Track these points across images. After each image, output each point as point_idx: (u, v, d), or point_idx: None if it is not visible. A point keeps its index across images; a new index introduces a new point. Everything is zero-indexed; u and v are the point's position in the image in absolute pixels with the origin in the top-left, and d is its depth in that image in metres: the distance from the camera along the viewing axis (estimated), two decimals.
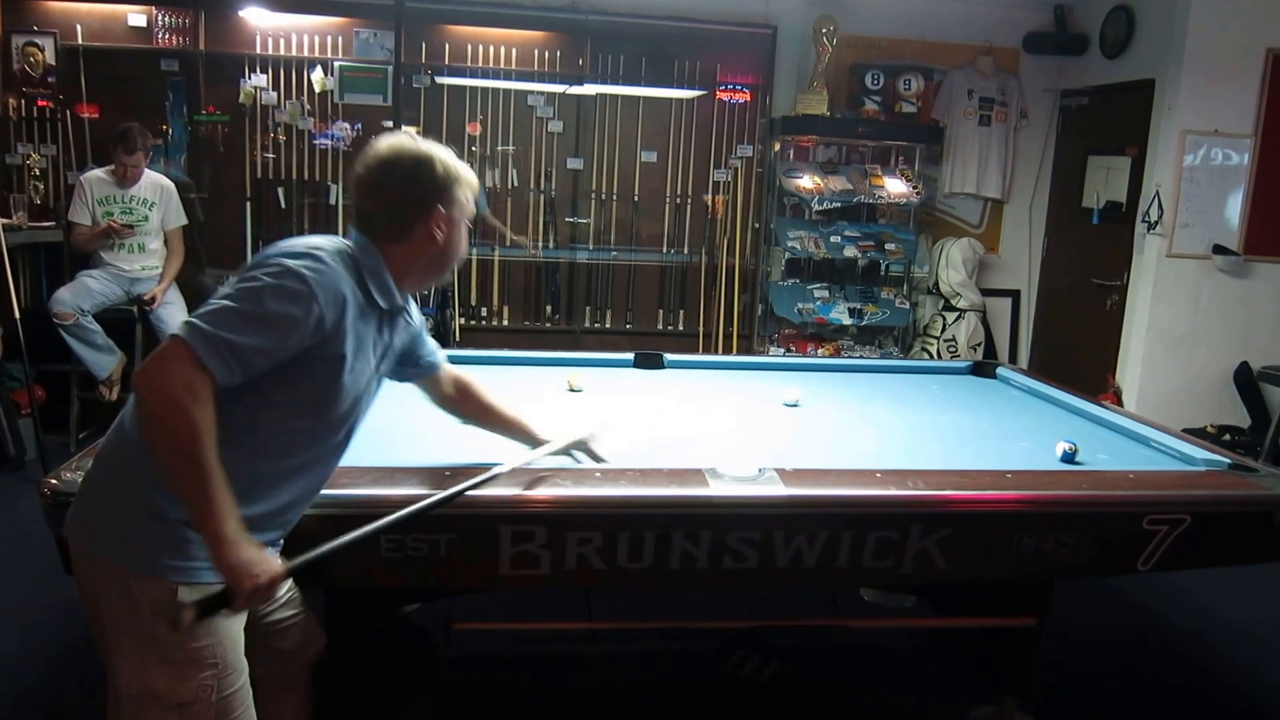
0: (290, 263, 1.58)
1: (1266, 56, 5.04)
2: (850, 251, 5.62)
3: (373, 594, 2.32)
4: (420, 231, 1.77)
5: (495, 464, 2.04)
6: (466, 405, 2.22)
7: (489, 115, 5.68)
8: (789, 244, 5.58)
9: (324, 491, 1.91)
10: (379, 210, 1.76)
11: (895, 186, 5.69)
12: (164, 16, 5.39)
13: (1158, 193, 5.15)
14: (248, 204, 5.58)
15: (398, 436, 2.55)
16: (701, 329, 6.01)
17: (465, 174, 1.82)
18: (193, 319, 1.51)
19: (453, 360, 3.60)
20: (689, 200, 5.94)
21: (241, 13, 5.39)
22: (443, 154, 1.79)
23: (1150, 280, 5.24)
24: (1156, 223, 5.17)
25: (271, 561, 1.56)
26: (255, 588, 1.50)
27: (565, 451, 2.19)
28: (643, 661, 3.07)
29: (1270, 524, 2.30)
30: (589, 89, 5.69)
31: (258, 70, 5.47)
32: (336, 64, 5.52)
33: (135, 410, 1.56)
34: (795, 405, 3.00)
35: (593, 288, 5.98)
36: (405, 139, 1.79)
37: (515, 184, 5.78)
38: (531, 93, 5.69)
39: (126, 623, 1.61)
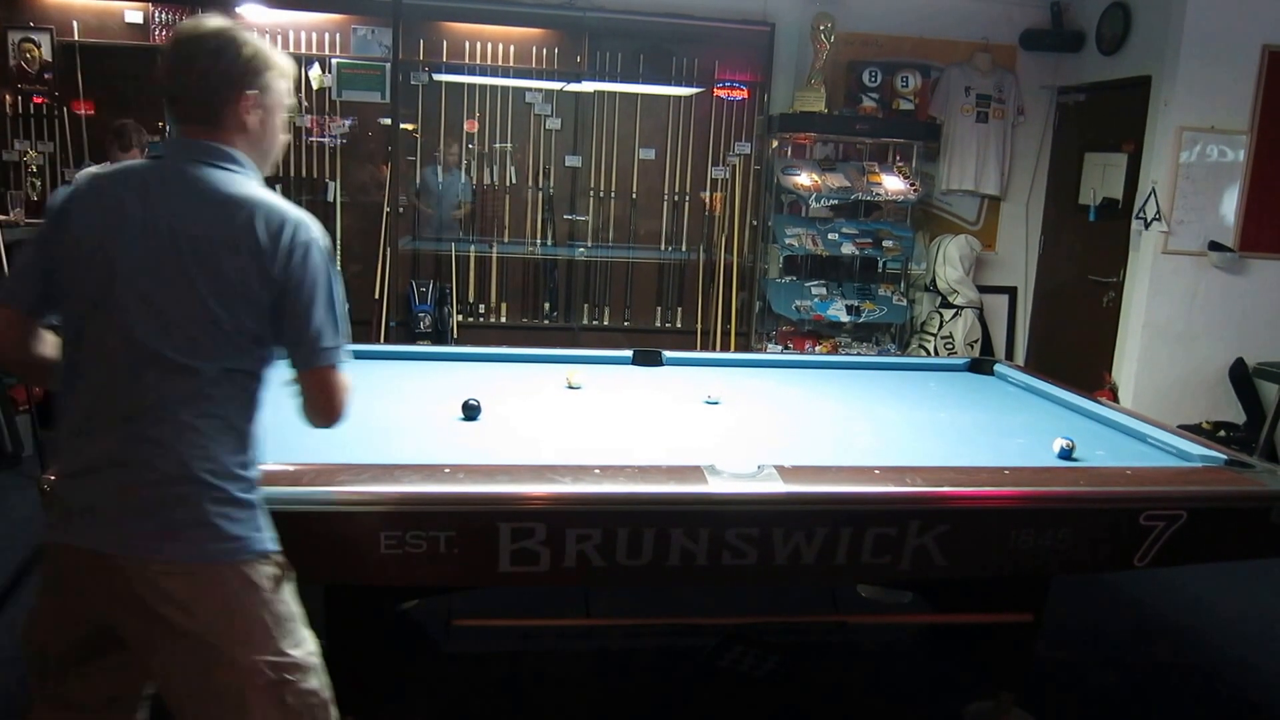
0: (323, 247, 1.65)
1: (1262, 53, 5.04)
2: (848, 249, 5.63)
3: (372, 590, 2.33)
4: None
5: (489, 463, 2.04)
6: None
7: (487, 112, 5.69)
8: (787, 241, 5.58)
9: (320, 489, 1.92)
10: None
11: (893, 183, 5.69)
12: (161, 13, 5.38)
13: (1154, 189, 5.16)
14: None
15: (394, 432, 2.56)
16: (699, 326, 6.02)
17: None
18: (334, 343, 1.66)
19: (452, 357, 3.62)
20: (687, 197, 5.94)
21: (239, 9, 5.38)
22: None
23: (1146, 277, 5.25)
24: (1153, 219, 5.18)
25: None
26: None
27: None
28: (641, 657, 3.07)
29: (1266, 519, 2.31)
30: (587, 86, 5.69)
31: None
32: (334, 61, 5.52)
33: (307, 416, 1.70)
34: (716, 403, 2.99)
35: (591, 285, 5.99)
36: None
37: (513, 181, 5.78)
38: (529, 90, 5.69)
39: (245, 615, 1.57)
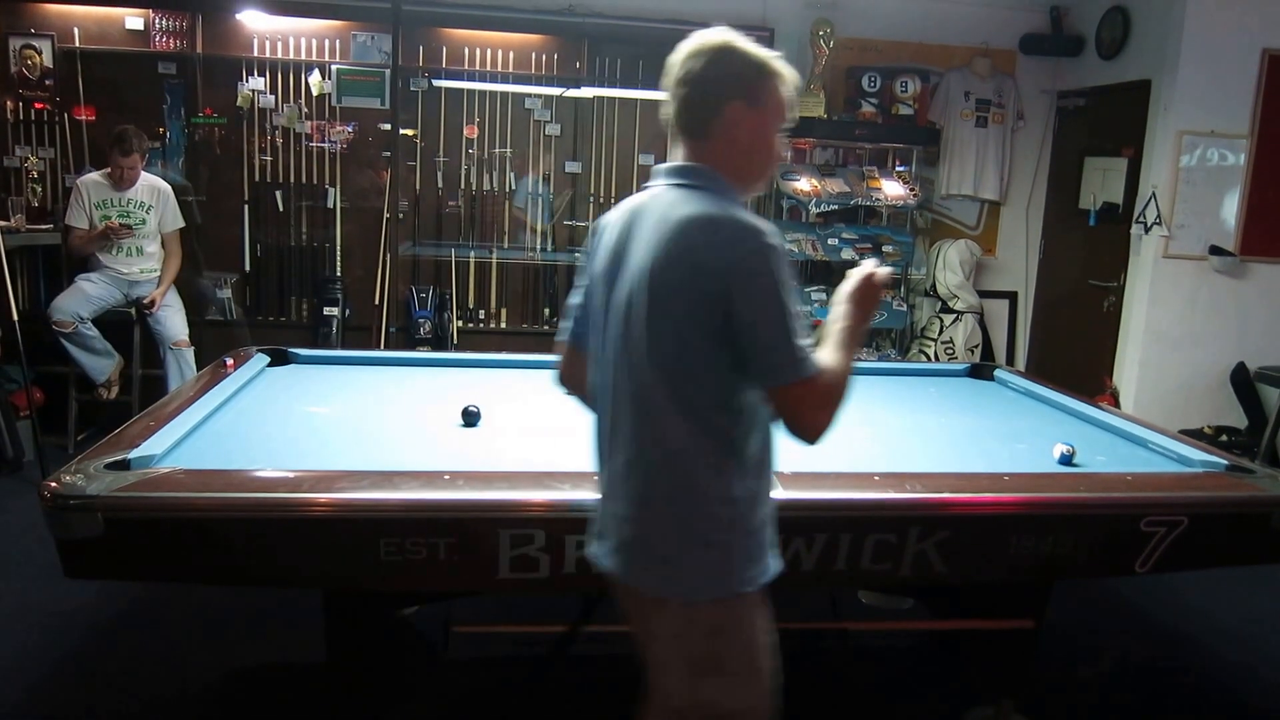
0: (772, 259, 1.51)
1: (1262, 57, 5.04)
2: (847, 254, 5.62)
3: (372, 597, 2.32)
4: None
5: (490, 470, 2.04)
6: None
7: (486, 118, 5.69)
8: (786, 246, 5.56)
9: (329, 495, 1.91)
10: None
11: (892, 189, 5.70)
12: (161, 20, 5.39)
13: (1154, 194, 5.16)
14: (245, 207, 5.58)
15: (394, 438, 2.56)
16: None
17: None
18: (800, 359, 1.50)
19: (451, 363, 3.62)
20: None
21: (239, 16, 5.39)
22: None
23: (1147, 281, 5.24)
24: (1153, 224, 5.18)
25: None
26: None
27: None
28: (640, 664, 3.06)
29: (1267, 525, 2.30)
30: (586, 92, 5.69)
31: (255, 73, 5.47)
32: (334, 67, 5.52)
33: (794, 433, 1.56)
34: None
35: None
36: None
37: (513, 187, 5.78)
38: (529, 96, 5.69)
39: (676, 648, 1.62)
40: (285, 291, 5.73)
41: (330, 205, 5.64)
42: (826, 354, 1.59)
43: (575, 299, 1.79)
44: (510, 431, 2.68)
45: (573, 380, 1.81)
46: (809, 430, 1.54)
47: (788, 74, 1.62)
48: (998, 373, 3.62)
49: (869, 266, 1.72)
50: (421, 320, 5.69)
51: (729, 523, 1.57)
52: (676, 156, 1.64)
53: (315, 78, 5.49)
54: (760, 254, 1.49)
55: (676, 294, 1.50)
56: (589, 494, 2.06)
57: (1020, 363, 6.28)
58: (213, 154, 5.54)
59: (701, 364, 1.52)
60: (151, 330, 4.90)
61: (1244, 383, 5.26)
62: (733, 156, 1.60)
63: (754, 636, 1.61)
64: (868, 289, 1.70)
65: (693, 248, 1.49)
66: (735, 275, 1.48)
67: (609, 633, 3.07)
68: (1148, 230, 5.21)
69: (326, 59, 5.53)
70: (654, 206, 1.59)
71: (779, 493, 2.09)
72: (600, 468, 1.71)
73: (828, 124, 5.63)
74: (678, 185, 1.60)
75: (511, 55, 5.64)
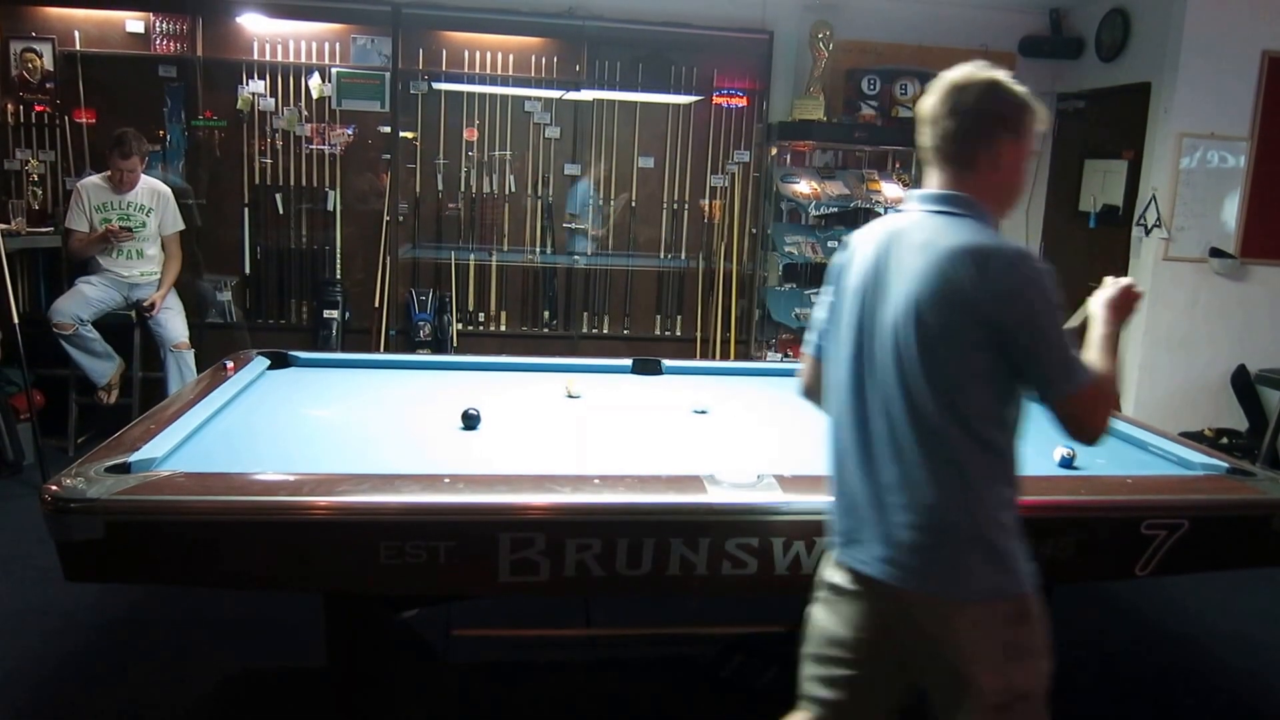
0: (1045, 283, 1.61)
1: (1262, 59, 5.05)
2: None
3: (372, 600, 2.32)
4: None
5: (487, 473, 2.04)
6: None
7: (486, 121, 5.69)
8: (786, 249, 5.58)
9: (329, 498, 1.91)
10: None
11: (892, 191, 5.70)
12: (162, 23, 5.39)
13: (1154, 196, 5.16)
14: (245, 210, 5.59)
15: (393, 441, 2.56)
16: (699, 334, 6.02)
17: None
18: (1078, 370, 1.63)
19: (451, 366, 3.62)
20: (686, 205, 5.94)
21: (239, 19, 5.40)
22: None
23: (1147, 284, 5.24)
24: (1153, 226, 5.18)
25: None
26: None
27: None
28: (641, 667, 3.06)
29: (1268, 528, 2.30)
30: (586, 95, 5.70)
31: (255, 76, 5.47)
32: (334, 70, 5.53)
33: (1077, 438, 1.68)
34: (704, 412, 2.98)
35: (590, 293, 5.99)
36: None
37: (513, 189, 5.78)
38: (529, 98, 5.70)
39: (985, 645, 1.66)
40: (285, 294, 5.73)
41: (330, 208, 5.65)
42: (1096, 360, 1.77)
43: (820, 313, 1.90)
44: (510, 434, 2.68)
45: (818, 391, 1.90)
46: (1092, 433, 1.68)
47: (1041, 110, 1.73)
48: None
49: (1125, 280, 1.94)
50: (421, 323, 5.69)
51: (1007, 527, 1.67)
52: (932, 183, 1.72)
53: (315, 81, 5.50)
54: (1034, 281, 1.59)
55: (952, 319, 1.59)
56: (589, 497, 2.06)
57: None
58: (213, 157, 5.54)
59: (977, 383, 1.62)
60: (152, 333, 4.89)
61: (1245, 385, 5.26)
62: (994, 186, 1.70)
63: (1041, 627, 1.72)
64: (1126, 298, 1.91)
65: (966, 276, 1.58)
66: (1012, 302, 1.58)
67: (608, 636, 3.08)
68: (1148, 232, 5.21)
69: (326, 62, 5.53)
70: (914, 233, 1.67)
71: (779, 496, 2.10)
72: (847, 477, 1.75)
73: (827, 127, 5.64)
74: (940, 212, 1.68)
75: (511, 58, 5.64)
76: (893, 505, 1.67)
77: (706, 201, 5.95)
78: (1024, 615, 1.68)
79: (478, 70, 5.62)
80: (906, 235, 1.68)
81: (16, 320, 4.25)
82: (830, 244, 5.62)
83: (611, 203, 5.87)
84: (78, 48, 5.34)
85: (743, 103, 5.88)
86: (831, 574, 1.80)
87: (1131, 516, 2.21)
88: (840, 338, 1.77)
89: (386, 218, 5.61)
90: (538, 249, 5.87)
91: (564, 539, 2.00)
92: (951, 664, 1.66)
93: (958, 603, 1.64)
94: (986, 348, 1.59)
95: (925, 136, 1.71)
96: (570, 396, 3.10)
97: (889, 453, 1.67)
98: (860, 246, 1.78)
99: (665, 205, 5.93)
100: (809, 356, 1.94)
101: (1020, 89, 1.69)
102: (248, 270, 5.65)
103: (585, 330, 5.99)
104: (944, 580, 1.65)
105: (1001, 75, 1.69)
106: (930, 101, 1.69)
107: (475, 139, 5.69)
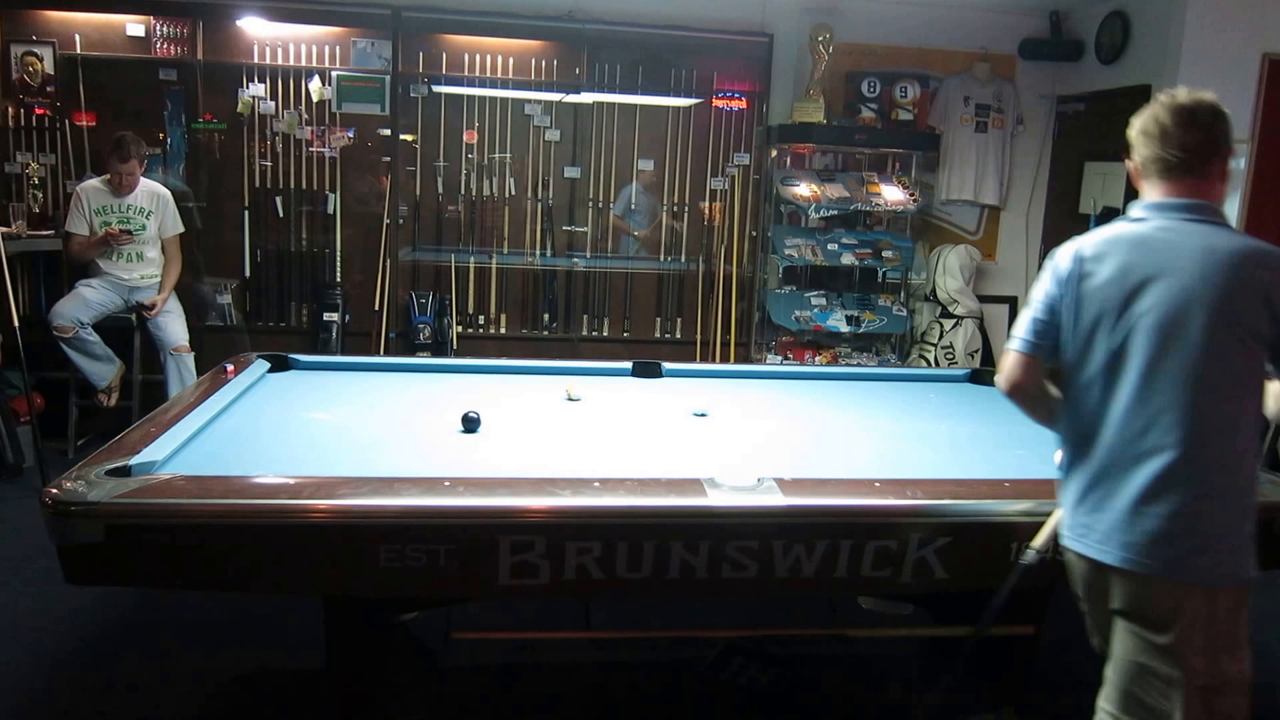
0: None
1: (1262, 62, 5.05)
2: (847, 259, 5.63)
3: (372, 603, 2.32)
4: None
5: (490, 477, 2.04)
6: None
7: (486, 124, 5.69)
8: (786, 252, 5.58)
9: (329, 502, 1.90)
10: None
11: (892, 194, 5.70)
12: (162, 26, 5.40)
13: None
14: (245, 213, 5.59)
15: (393, 445, 2.56)
16: (699, 337, 6.02)
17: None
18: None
19: (451, 369, 3.62)
20: (686, 208, 5.95)
21: (239, 23, 5.40)
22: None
23: None
24: None
25: None
26: None
27: None
28: (640, 670, 3.06)
29: (1270, 531, 2.30)
30: (586, 98, 5.70)
31: (255, 79, 5.47)
32: (334, 73, 5.53)
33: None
34: (703, 415, 2.98)
35: (590, 296, 5.99)
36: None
37: (513, 192, 5.79)
38: (528, 102, 5.70)
39: (1209, 627, 1.84)
40: (285, 297, 5.73)
41: (330, 211, 5.65)
42: None
43: (1041, 315, 2.01)
44: (510, 438, 2.68)
45: (1029, 387, 2.04)
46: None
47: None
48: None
49: None
50: (421, 326, 5.69)
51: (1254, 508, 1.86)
52: (1172, 193, 1.92)
53: (315, 84, 5.50)
54: None
55: (1244, 315, 1.78)
56: (589, 500, 2.06)
57: None
58: (213, 160, 5.54)
59: (1255, 371, 1.83)
60: (152, 336, 4.90)
61: None
62: (1221, 194, 1.96)
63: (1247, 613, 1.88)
64: None
65: (1258, 274, 1.80)
66: None
67: (607, 639, 3.08)
68: None
69: (326, 65, 5.54)
70: (1176, 239, 1.86)
71: (779, 499, 2.10)
72: (1097, 469, 1.90)
73: (827, 129, 5.63)
74: (1198, 220, 1.88)
75: (511, 61, 5.65)
76: (1161, 494, 1.80)
77: (706, 204, 5.95)
78: (1245, 603, 1.87)
79: (477, 73, 5.62)
80: (1165, 240, 1.86)
81: (17, 323, 4.26)
82: (830, 246, 5.62)
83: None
84: (78, 51, 5.35)
85: (742, 105, 5.88)
86: None
87: None
88: (1094, 340, 1.90)
89: (386, 220, 5.62)
90: (538, 252, 5.88)
91: (564, 542, 2.01)
92: (1173, 642, 1.84)
93: (1208, 590, 1.82)
94: (1269, 338, 1.78)
95: (1159, 151, 1.91)
96: (570, 399, 3.11)
97: (1157, 443, 1.80)
98: (1099, 254, 1.92)
99: (665, 208, 5.93)
100: (1026, 355, 2.03)
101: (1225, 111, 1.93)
102: (248, 273, 5.66)
103: (585, 333, 5.99)
104: (1210, 564, 1.82)
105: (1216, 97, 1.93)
106: (1164, 120, 1.91)
107: (475, 142, 5.69)
